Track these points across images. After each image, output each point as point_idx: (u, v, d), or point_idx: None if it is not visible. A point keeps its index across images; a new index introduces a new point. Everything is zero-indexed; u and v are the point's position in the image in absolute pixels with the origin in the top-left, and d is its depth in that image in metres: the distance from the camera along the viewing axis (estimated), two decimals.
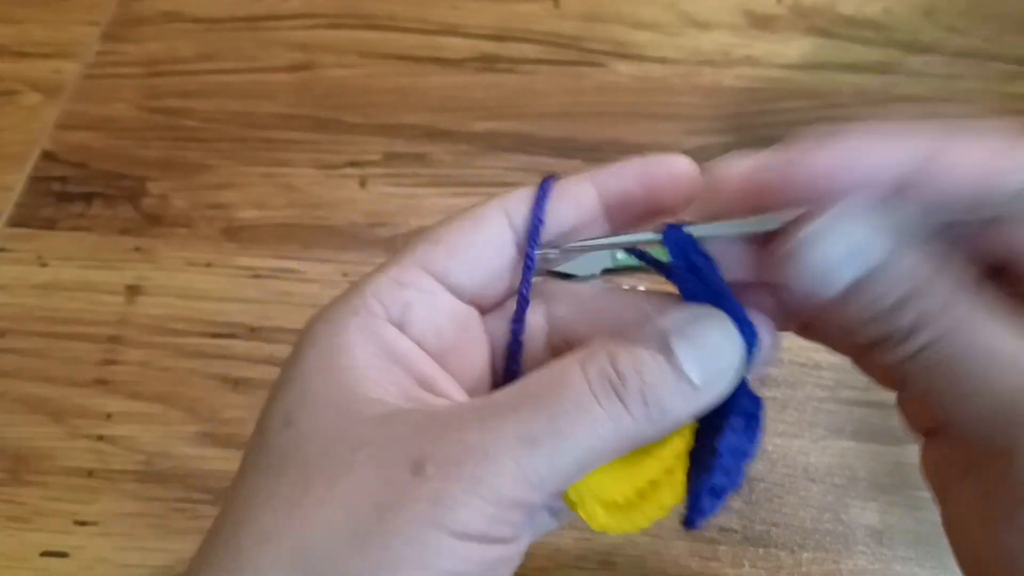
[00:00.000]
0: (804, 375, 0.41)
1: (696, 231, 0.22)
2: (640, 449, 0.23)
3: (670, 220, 0.23)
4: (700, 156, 0.52)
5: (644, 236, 0.23)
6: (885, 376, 0.25)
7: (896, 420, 0.39)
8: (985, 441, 0.20)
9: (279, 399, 0.22)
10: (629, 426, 0.20)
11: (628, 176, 0.23)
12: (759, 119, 0.49)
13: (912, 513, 0.37)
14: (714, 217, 0.22)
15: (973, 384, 0.20)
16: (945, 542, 0.36)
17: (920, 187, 0.20)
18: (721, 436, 0.22)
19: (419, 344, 0.23)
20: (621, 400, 0.20)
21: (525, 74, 0.52)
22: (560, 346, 0.25)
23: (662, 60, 0.52)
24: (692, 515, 0.22)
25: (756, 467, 0.38)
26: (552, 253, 0.23)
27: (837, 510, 0.37)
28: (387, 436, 0.20)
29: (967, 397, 0.20)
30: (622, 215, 0.24)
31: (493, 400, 0.20)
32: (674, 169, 0.23)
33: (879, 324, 0.20)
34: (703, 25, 0.53)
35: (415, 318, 0.23)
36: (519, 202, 0.23)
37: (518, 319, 0.24)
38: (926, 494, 0.37)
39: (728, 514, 0.37)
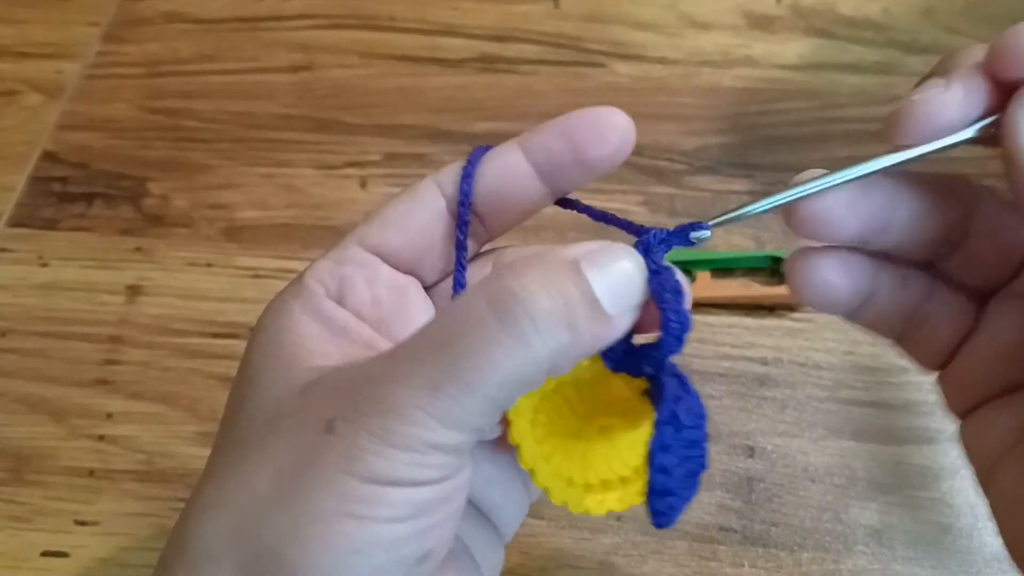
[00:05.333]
0: (804, 375, 0.41)
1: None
2: (612, 433, 0.23)
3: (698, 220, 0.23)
4: (700, 156, 0.52)
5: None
6: (934, 358, 0.25)
7: (896, 420, 0.39)
8: None
9: (234, 387, 0.23)
10: (539, 353, 0.19)
11: (550, 133, 0.24)
12: (759, 119, 0.49)
13: (912, 513, 0.37)
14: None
15: None
16: (945, 541, 0.36)
17: None
18: (653, 436, 0.21)
19: (359, 314, 0.23)
20: (529, 327, 0.19)
21: (525, 74, 0.52)
22: None
23: (662, 60, 0.52)
24: (652, 516, 0.22)
25: (756, 467, 0.38)
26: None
27: (837, 510, 0.37)
28: (307, 400, 0.21)
29: None
30: (551, 170, 0.24)
31: (401, 347, 0.20)
32: (600, 120, 0.23)
33: None
34: (703, 25, 0.54)
35: (352, 290, 0.23)
36: (450, 174, 0.24)
37: (458, 279, 0.24)
38: (926, 494, 0.38)
39: (727, 514, 0.37)
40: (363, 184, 0.48)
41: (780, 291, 0.42)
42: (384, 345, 0.23)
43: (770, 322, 0.42)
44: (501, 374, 0.19)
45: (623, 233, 0.24)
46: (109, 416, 0.40)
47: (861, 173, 0.22)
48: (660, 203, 0.46)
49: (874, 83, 0.50)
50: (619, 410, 0.23)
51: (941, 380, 0.26)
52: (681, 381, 0.22)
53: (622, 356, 0.22)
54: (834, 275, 0.24)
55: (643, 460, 0.22)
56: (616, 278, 0.20)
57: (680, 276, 0.22)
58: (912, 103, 0.21)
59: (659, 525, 0.22)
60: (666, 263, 0.22)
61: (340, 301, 0.24)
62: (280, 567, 0.19)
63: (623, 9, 0.54)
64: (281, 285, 0.45)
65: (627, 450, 0.23)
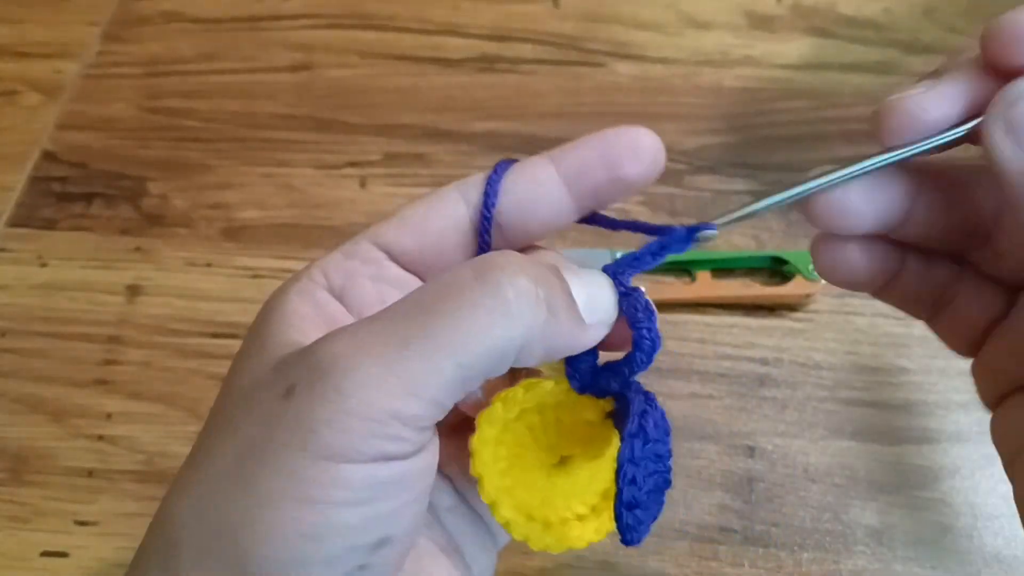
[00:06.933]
0: (804, 375, 0.41)
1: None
2: (574, 465, 0.23)
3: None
4: (700, 156, 0.52)
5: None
6: (964, 343, 0.25)
7: (896, 420, 0.39)
8: None
9: (228, 373, 0.22)
10: (516, 324, 0.19)
11: (584, 148, 0.23)
12: (759, 119, 0.49)
13: (912, 513, 0.37)
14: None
15: None
16: (945, 541, 0.36)
17: None
18: (621, 449, 0.21)
19: (360, 312, 0.23)
20: (511, 293, 0.19)
21: (525, 74, 0.52)
22: None
23: (662, 60, 0.52)
24: (621, 533, 0.22)
25: (756, 467, 0.38)
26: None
27: (837, 510, 0.37)
28: (276, 369, 0.20)
29: None
30: (582, 186, 0.23)
31: (377, 312, 0.20)
32: (634, 140, 0.23)
33: None
34: (703, 25, 0.54)
35: (356, 286, 0.23)
36: (475, 183, 0.24)
37: None
38: (926, 494, 0.38)
39: (728, 514, 0.37)
40: (363, 184, 0.48)
41: (780, 291, 0.42)
42: None
43: (770, 322, 0.42)
44: (476, 338, 0.18)
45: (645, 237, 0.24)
46: (108, 416, 0.40)
47: (858, 171, 0.22)
48: (660, 203, 0.46)
49: (874, 83, 0.50)
50: (583, 437, 0.24)
51: (973, 368, 0.26)
52: (647, 397, 0.23)
53: (589, 375, 0.23)
54: (856, 256, 0.24)
55: (610, 485, 0.22)
56: (592, 290, 0.21)
57: (648, 298, 0.23)
58: (891, 103, 0.21)
59: (628, 542, 0.22)
60: (634, 285, 0.23)
61: (343, 296, 0.23)
62: (234, 551, 0.18)
63: (623, 9, 0.54)
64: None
65: (589, 482, 0.23)
